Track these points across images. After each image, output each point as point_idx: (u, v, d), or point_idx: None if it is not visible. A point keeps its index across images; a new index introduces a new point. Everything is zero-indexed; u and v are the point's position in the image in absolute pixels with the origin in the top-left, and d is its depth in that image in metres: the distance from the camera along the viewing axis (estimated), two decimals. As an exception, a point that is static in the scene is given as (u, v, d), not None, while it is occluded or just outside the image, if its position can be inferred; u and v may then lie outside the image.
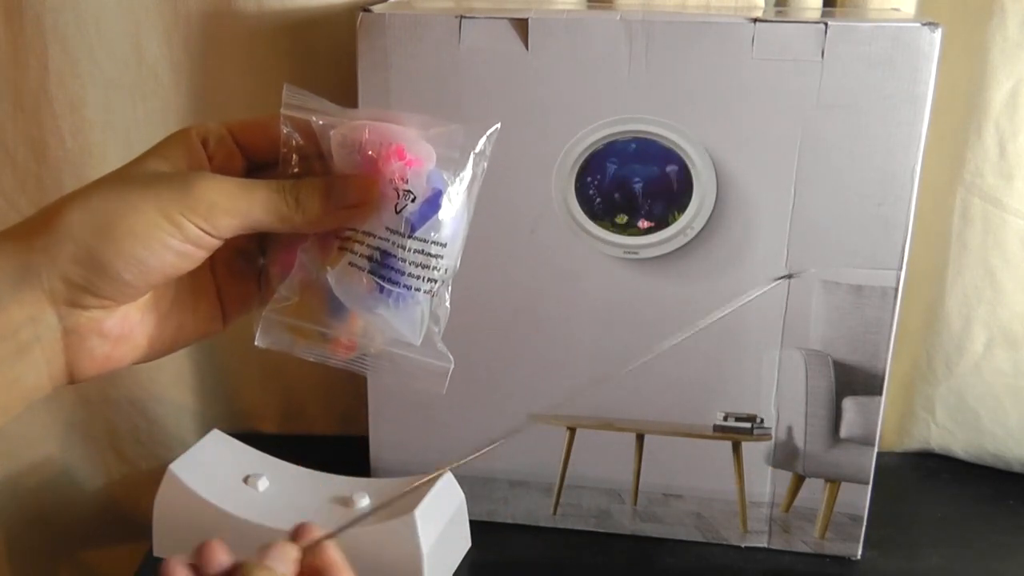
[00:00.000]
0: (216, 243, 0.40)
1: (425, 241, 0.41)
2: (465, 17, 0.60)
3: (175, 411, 0.82)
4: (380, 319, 0.41)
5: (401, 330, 0.42)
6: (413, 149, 0.41)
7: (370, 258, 0.41)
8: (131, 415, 0.82)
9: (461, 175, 0.42)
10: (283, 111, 0.42)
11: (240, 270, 0.46)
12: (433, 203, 0.41)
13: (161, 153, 0.42)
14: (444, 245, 0.41)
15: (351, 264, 0.41)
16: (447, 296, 0.43)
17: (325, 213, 0.41)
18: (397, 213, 0.40)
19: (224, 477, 0.67)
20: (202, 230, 0.39)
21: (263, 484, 0.67)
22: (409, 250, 0.41)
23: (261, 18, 0.70)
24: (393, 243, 0.41)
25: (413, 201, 0.40)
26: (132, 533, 0.80)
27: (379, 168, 0.40)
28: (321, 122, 0.41)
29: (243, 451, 0.70)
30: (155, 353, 0.44)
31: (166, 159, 0.42)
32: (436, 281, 0.42)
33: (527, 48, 0.60)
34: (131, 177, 0.41)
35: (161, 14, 0.71)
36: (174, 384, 0.82)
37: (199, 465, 0.67)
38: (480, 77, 0.61)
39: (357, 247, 0.41)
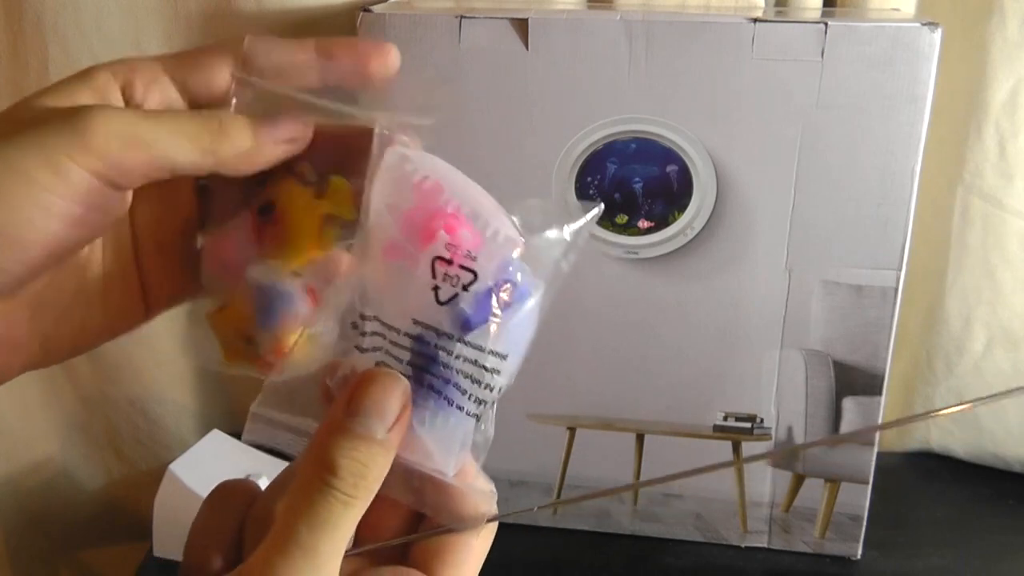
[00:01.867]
0: (118, 197, 0.31)
1: (481, 350, 0.31)
2: (465, 17, 0.60)
3: (175, 411, 0.82)
4: (409, 435, 0.32)
5: (433, 453, 0.32)
6: (481, 219, 0.31)
7: (412, 362, 0.31)
8: (131, 415, 0.82)
9: (544, 272, 0.33)
10: (235, 74, 0.33)
11: (173, 248, 0.36)
12: (489, 297, 0.31)
13: (55, 93, 0.32)
14: (504, 358, 0.32)
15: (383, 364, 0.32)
16: (492, 417, 0.34)
17: (257, 143, 0.32)
18: (441, 304, 0.31)
19: (224, 477, 0.66)
20: (98, 176, 0.29)
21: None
22: (457, 356, 0.31)
23: (261, 18, 0.70)
24: (436, 346, 0.31)
25: (466, 288, 0.31)
26: (132, 533, 0.80)
27: (431, 227, 0.31)
28: (387, 131, 0.32)
29: (243, 451, 0.70)
30: (53, 358, 0.34)
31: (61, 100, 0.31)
32: (486, 402, 0.33)
33: (527, 48, 0.60)
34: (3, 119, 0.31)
35: (161, 14, 0.71)
36: (174, 384, 0.82)
37: (199, 465, 0.67)
38: (480, 77, 0.61)
39: (389, 347, 0.31)
